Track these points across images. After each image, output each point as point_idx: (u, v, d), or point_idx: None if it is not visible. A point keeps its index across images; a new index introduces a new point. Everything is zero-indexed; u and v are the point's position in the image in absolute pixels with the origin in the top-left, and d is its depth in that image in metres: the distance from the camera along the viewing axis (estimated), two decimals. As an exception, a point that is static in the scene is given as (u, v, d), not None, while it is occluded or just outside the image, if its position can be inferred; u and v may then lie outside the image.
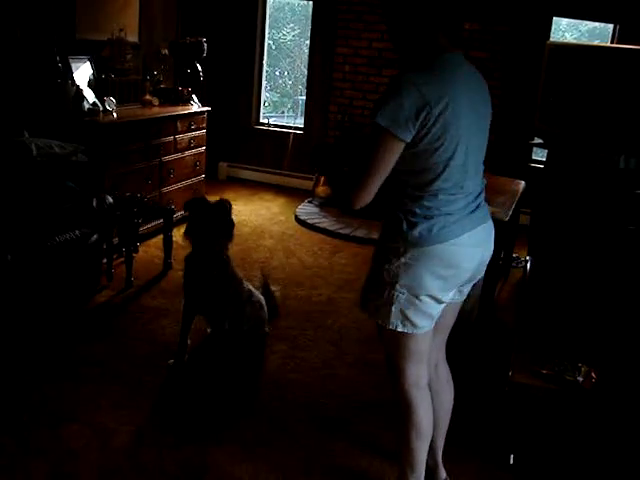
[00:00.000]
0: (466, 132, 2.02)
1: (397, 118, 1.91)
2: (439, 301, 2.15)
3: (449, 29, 2.02)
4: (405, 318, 2.13)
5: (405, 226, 2.06)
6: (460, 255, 2.09)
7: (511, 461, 2.74)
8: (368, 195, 2.01)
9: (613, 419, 2.67)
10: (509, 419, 2.80)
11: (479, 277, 2.29)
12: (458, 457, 2.71)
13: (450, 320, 2.39)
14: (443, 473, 2.54)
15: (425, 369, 2.29)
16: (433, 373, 2.40)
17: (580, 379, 2.68)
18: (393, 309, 2.12)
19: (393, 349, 2.26)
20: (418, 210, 2.05)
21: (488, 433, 2.91)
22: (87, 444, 2.71)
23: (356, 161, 2.10)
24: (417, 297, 2.10)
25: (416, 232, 2.05)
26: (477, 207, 2.15)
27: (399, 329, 2.15)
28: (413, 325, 2.14)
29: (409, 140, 1.95)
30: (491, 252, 2.24)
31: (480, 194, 2.18)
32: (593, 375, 2.72)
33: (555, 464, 2.74)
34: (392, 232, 2.11)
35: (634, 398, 2.70)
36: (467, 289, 2.31)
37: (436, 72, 1.97)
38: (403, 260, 2.07)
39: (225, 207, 3.30)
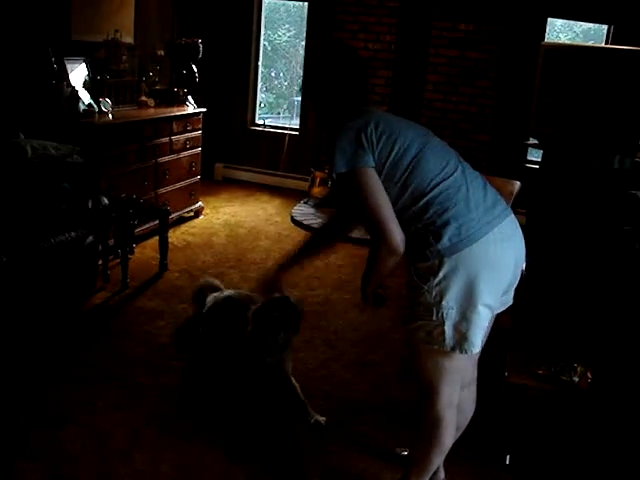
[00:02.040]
0: (412, 133, 2.11)
1: (349, 156, 2.02)
2: (491, 308, 2.10)
3: (359, 97, 2.20)
4: (461, 336, 2.06)
5: (432, 239, 2.02)
6: (496, 251, 2.05)
7: (507, 461, 2.75)
8: (394, 232, 2.00)
9: (609, 419, 2.68)
10: (505, 419, 2.80)
11: (517, 280, 2.20)
12: (455, 457, 2.71)
13: (487, 334, 2.29)
14: (442, 474, 2.54)
15: (459, 389, 2.24)
16: (466, 392, 2.35)
17: (576, 379, 2.69)
18: (446, 329, 2.05)
19: (434, 371, 2.16)
20: (435, 218, 2.03)
21: (485, 433, 2.91)
22: (83, 446, 2.70)
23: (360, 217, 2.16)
24: (469, 309, 2.04)
25: (445, 240, 2.01)
26: (495, 202, 2.12)
27: (457, 352, 2.08)
28: (470, 343, 2.07)
29: (373, 162, 2.03)
30: (524, 245, 2.18)
31: (486, 185, 2.16)
32: (589, 375, 2.73)
33: (552, 464, 2.75)
34: (421, 251, 2.05)
35: (630, 398, 2.70)
36: (511, 295, 2.23)
37: (357, 115, 2.12)
38: (442, 274, 2.02)
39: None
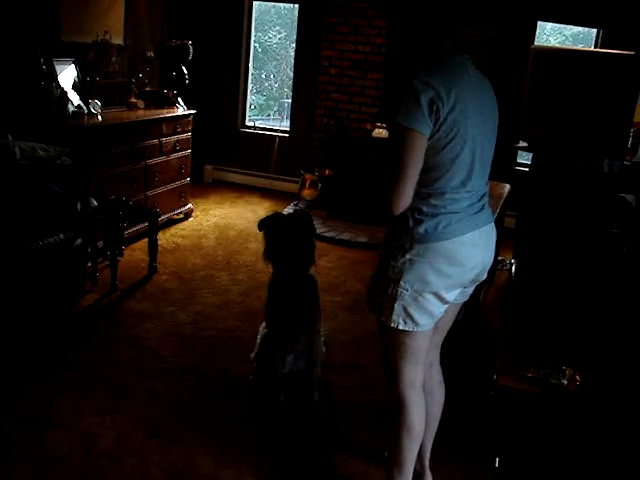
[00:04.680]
0: (473, 132, 2.09)
1: (416, 115, 1.99)
2: (443, 300, 2.17)
3: (454, 34, 2.13)
4: (407, 315, 2.15)
5: (411, 223, 2.10)
6: (464, 253, 2.12)
7: (496, 464, 2.75)
8: (404, 200, 2.04)
9: (598, 422, 2.69)
10: (494, 422, 2.80)
11: (482, 278, 2.30)
12: (444, 460, 2.71)
13: (448, 321, 2.41)
14: (429, 478, 2.54)
15: (421, 370, 2.31)
16: (427, 373, 2.42)
17: (565, 382, 2.70)
18: (396, 306, 2.14)
19: (391, 347, 2.26)
20: (425, 208, 2.09)
21: (474, 436, 2.91)
22: (71, 450, 2.69)
23: (383, 168, 2.13)
24: (421, 294, 2.12)
25: (422, 229, 2.08)
26: (482, 208, 2.19)
27: (400, 327, 2.17)
28: (414, 323, 2.16)
29: (429, 135, 2.01)
30: (493, 254, 2.28)
31: (484, 195, 2.22)
32: (578, 378, 2.73)
33: (540, 467, 2.75)
34: (398, 229, 2.14)
35: (618, 401, 2.71)
36: (470, 290, 2.34)
37: (444, 73, 2.07)
38: (408, 256, 2.10)
39: (306, 220, 3.01)
